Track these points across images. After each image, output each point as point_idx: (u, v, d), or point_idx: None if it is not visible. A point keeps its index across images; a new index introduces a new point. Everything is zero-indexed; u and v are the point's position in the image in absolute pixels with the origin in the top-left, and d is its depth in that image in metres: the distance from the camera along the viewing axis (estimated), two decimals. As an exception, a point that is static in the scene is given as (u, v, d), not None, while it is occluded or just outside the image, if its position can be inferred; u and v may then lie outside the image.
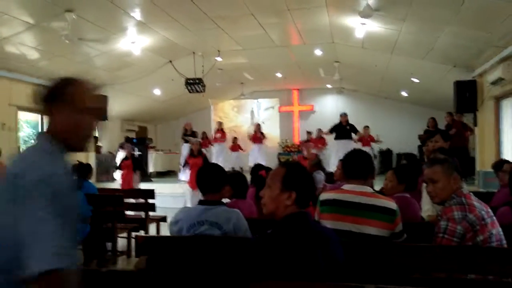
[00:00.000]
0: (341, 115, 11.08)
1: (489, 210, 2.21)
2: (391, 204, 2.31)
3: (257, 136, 12.30)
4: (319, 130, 12.38)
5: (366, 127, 11.66)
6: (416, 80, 10.70)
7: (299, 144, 14.41)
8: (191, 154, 8.57)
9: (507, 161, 3.99)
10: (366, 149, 11.36)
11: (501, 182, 3.78)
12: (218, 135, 12.13)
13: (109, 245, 5.06)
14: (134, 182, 8.42)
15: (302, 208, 1.83)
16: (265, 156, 12.19)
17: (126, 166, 8.50)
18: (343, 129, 10.83)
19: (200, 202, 2.52)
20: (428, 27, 6.97)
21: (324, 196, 2.43)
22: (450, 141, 3.87)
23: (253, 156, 12.00)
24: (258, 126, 12.73)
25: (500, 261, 2.02)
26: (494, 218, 2.19)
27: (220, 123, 12.63)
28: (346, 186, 2.42)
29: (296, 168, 1.91)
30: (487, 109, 8.12)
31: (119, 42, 8.01)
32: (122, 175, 8.50)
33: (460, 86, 8.44)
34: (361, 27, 7.27)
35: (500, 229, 2.17)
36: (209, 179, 2.54)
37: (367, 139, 11.53)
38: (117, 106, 11.45)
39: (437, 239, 2.16)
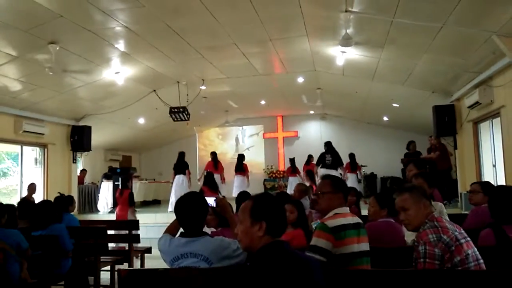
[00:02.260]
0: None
1: (462, 231, 2.27)
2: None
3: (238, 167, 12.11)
4: (310, 157, 12.37)
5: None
6: (396, 105, 10.95)
7: (286, 171, 14.39)
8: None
9: (476, 182, 4.08)
10: (353, 176, 11.44)
11: (471, 202, 3.87)
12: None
13: (91, 279, 4.91)
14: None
15: (276, 236, 1.83)
16: (244, 186, 11.91)
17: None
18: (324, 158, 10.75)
19: (182, 235, 2.46)
20: (406, 54, 7.20)
21: (332, 223, 2.40)
22: (423, 168, 4.02)
23: (236, 187, 11.73)
24: (238, 157, 12.25)
25: (482, 283, 2.04)
26: (469, 239, 2.24)
27: (212, 153, 12.25)
28: (339, 210, 2.53)
29: (263, 198, 1.93)
30: (466, 132, 8.33)
31: (103, 72, 8.03)
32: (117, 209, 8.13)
33: (439, 111, 8.68)
34: (341, 55, 7.47)
35: (475, 249, 2.21)
36: (190, 215, 2.44)
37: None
38: (100, 136, 11.40)
39: (419, 264, 2.18)
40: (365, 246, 2.45)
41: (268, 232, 1.81)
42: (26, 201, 6.80)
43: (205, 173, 8.36)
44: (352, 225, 2.43)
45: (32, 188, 7.18)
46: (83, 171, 11.90)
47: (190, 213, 2.44)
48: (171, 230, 2.63)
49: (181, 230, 2.53)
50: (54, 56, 6.38)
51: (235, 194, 9.78)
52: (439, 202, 3.77)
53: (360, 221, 2.53)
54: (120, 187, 8.39)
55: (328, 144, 10.85)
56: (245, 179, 11.94)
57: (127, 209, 7.85)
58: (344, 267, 2.31)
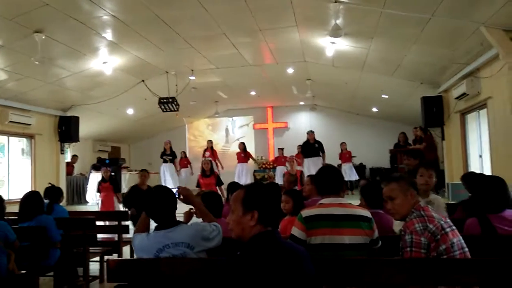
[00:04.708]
0: (307, 133, 10.84)
1: (448, 220, 2.31)
2: (367, 213, 2.50)
3: (241, 156, 12.19)
4: (299, 147, 12.31)
5: (343, 144, 11.73)
6: (385, 96, 11.01)
7: (273, 160, 14.43)
8: (203, 174, 7.91)
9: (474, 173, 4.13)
10: (347, 165, 11.40)
11: None
12: (208, 153, 11.88)
13: (80, 270, 4.89)
14: (115, 204, 8.15)
15: (268, 226, 1.84)
16: (249, 175, 12.13)
17: (104, 188, 8.23)
18: (310, 147, 10.59)
19: (157, 228, 2.47)
20: (395, 45, 7.23)
21: (307, 212, 2.45)
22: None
23: (237, 175, 11.83)
24: (240, 145, 12.39)
25: (468, 271, 2.09)
26: (454, 228, 2.28)
27: (209, 142, 12.27)
28: (324, 200, 2.52)
29: (255, 188, 1.94)
30: (453, 123, 8.43)
31: (90, 62, 7.92)
32: (102, 197, 8.23)
33: (427, 102, 8.76)
34: (330, 46, 7.47)
35: (460, 238, 2.25)
36: (161, 207, 2.46)
37: (345, 155, 11.62)
38: (89, 126, 11.28)
39: (406, 253, 2.21)
40: (348, 239, 2.35)
41: (260, 221, 1.81)
42: (137, 189, 6.75)
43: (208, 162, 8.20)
44: (329, 216, 2.39)
45: (143, 175, 6.98)
46: (74, 157, 11.79)
47: (162, 205, 2.47)
48: (141, 229, 2.63)
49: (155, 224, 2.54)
50: (39, 45, 6.27)
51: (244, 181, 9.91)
52: (438, 196, 3.70)
53: (351, 213, 2.43)
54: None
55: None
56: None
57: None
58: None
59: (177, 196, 2.69)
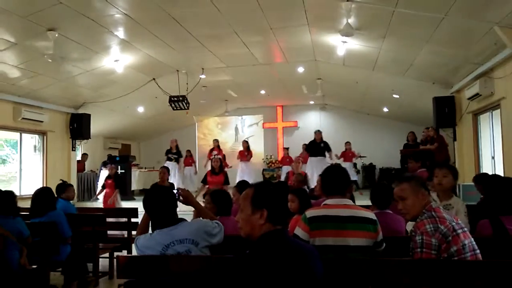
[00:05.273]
0: (315, 132, 10.73)
1: (460, 222, 2.27)
2: (372, 215, 2.50)
3: (244, 154, 12.19)
4: (304, 145, 12.34)
5: (347, 143, 11.75)
6: (396, 96, 10.92)
7: (280, 160, 14.42)
8: (212, 171, 7.83)
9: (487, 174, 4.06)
10: (347, 164, 11.38)
11: None
12: (215, 152, 11.90)
13: (90, 266, 4.94)
14: (116, 200, 8.29)
15: (277, 224, 1.84)
16: (252, 173, 12.11)
17: (108, 184, 8.39)
18: (317, 147, 10.49)
19: (160, 227, 2.48)
20: (407, 45, 7.16)
21: (311, 213, 2.45)
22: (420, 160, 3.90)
23: (240, 173, 11.86)
24: (244, 144, 12.45)
25: (478, 273, 2.06)
26: (466, 229, 2.25)
27: (216, 141, 12.35)
28: (329, 201, 2.51)
29: (264, 186, 1.94)
30: (465, 124, 8.33)
31: (102, 60, 7.99)
32: (105, 193, 8.40)
33: (439, 102, 8.66)
34: (342, 45, 7.42)
35: (472, 240, 2.22)
36: (163, 207, 2.49)
37: (348, 154, 11.61)
38: (100, 124, 11.39)
39: (416, 254, 2.19)
40: (352, 241, 2.35)
41: (270, 220, 1.81)
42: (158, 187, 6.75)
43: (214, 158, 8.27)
44: (334, 217, 2.38)
45: (163, 172, 6.94)
46: (84, 155, 11.92)
47: (163, 205, 2.50)
48: (143, 231, 2.69)
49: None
50: (52, 43, 6.34)
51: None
52: (460, 199, 3.59)
53: (357, 215, 2.42)
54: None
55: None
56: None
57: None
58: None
59: (177, 197, 2.72)
